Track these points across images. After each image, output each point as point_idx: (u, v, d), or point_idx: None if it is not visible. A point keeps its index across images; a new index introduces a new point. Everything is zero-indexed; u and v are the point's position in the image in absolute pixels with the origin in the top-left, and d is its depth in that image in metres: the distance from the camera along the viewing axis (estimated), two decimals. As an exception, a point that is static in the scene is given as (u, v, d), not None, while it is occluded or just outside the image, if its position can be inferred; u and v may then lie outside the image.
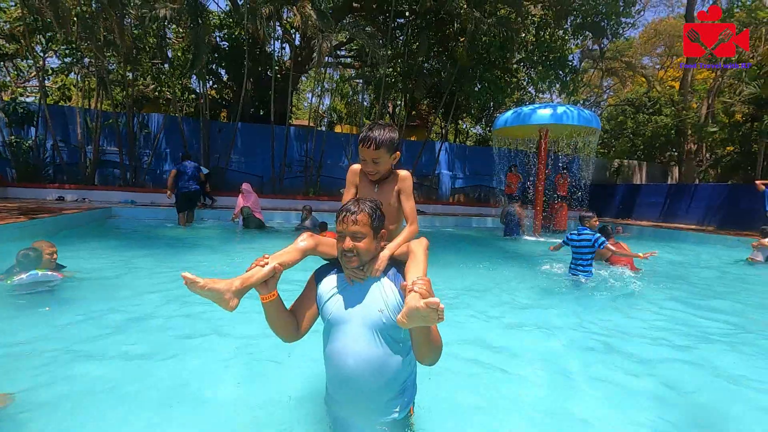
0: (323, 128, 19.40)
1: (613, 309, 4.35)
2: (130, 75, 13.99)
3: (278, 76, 15.84)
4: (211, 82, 17.12)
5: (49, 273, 3.89)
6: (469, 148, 19.82)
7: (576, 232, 5.44)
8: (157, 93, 15.70)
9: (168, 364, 2.63)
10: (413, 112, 22.17)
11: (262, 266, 1.57)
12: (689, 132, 19.79)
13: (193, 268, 5.00)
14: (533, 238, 10.65)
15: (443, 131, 21.13)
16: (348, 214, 1.60)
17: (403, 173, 1.94)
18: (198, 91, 15.98)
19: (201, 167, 10.67)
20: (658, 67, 26.71)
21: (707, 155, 22.25)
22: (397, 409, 1.69)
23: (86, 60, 13.86)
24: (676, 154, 22.70)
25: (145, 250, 6.19)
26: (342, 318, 1.67)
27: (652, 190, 16.91)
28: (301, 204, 11.86)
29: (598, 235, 5.32)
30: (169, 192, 9.26)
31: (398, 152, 1.88)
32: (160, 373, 2.51)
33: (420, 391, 1.85)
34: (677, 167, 21.91)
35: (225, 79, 17.62)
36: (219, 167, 14.26)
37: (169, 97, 15.15)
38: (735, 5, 13.48)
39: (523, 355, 3.08)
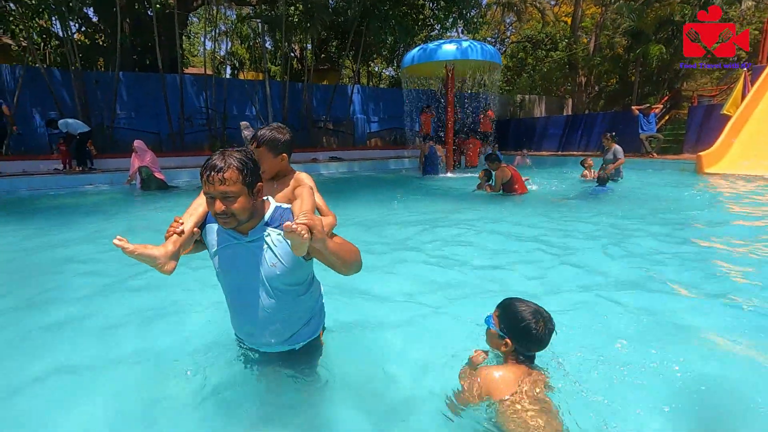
0: (226, 76, 17.71)
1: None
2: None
3: (161, 16, 13.84)
4: (77, 25, 14.48)
5: None
6: (383, 91, 19.57)
7: None
8: (6, 39, 12.93)
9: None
10: (322, 55, 21.09)
11: (179, 233, 1.52)
12: (580, 66, 21.45)
13: (92, 238, 4.48)
14: (449, 175, 11.09)
15: (355, 74, 20.50)
16: (213, 172, 1.38)
17: (301, 175, 1.90)
18: (62, 35, 13.47)
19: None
20: (552, 2, 27.99)
21: (595, 87, 24.46)
22: (304, 338, 1.76)
23: None
24: (569, 87, 24.63)
25: (31, 225, 5.36)
26: (232, 274, 1.61)
27: (551, 122, 18.31)
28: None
29: None
30: None
31: (284, 154, 1.84)
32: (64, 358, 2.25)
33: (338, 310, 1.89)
34: (570, 100, 23.88)
35: (96, 21, 15.00)
36: (103, 125, 12.50)
37: (24, 43, 12.57)
38: None
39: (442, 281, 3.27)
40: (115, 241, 1.33)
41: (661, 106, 14.95)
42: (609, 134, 8.73)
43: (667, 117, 16.14)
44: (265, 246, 1.55)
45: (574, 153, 15.33)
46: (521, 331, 1.47)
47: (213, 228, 1.61)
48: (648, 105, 12.66)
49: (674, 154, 12.59)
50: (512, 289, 2.91)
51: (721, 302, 2.65)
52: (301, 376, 1.78)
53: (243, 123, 10.44)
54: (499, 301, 1.61)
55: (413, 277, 3.22)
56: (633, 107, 12.69)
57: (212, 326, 2.27)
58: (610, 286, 2.96)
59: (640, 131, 12.09)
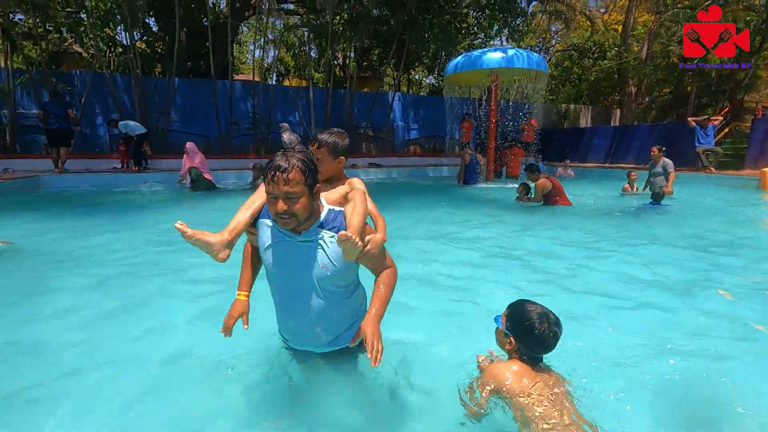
0: (271, 82, 18.36)
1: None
2: (44, 27, 12.31)
3: (215, 25, 14.57)
4: (139, 34, 15.50)
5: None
6: (423, 98, 19.60)
7: None
8: (77, 47, 14.02)
9: (125, 328, 2.51)
10: (364, 63, 21.42)
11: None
12: (630, 75, 20.57)
13: (141, 233, 4.75)
14: (490, 185, 10.86)
15: (396, 82, 20.66)
16: (278, 173, 1.42)
17: (354, 180, 1.90)
18: (126, 44, 14.45)
19: (72, 108, 10.88)
20: (602, 11, 27.08)
21: (645, 98, 23.36)
22: (346, 342, 1.74)
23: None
24: (618, 97, 23.66)
25: (84, 219, 5.76)
26: (283, 272, 1.64)
27: (597, 133, 17.65)
28: (253, 163, 11.39)
29: None
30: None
31: (342, 157, 1.87)
32: (113, 349, 2.39)
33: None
34: (619, 110, 22.92)
35: (155, 30, 16.00)
36: (159, 128, 13.26)
37: (92, 51, 13.61)
38: None
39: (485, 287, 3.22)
40: (177, 225, 1.41)
41: (721, 117, 14.07)
42: (657, 147, 8.30)
43: (726, 129, 15.16)
44: (318, 247, 1.58)
45: (623, 165, 14.67)
46: (524, 330, 1.51)
47: (266, 223, 1.64)
48: (706, 117, 11.96)
49: (734, 170, 11.78)
50: (554, 305, 2.81)
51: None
52: (338, 379, 1.80)
53: (283, 125, 10.71)
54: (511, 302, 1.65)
55: (455, 288, 3.18)
56: (689, 118, 12.02)
57: (259, 325, 2.33)
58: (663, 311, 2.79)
59: (697, 144, 11.41)
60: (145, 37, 16.13)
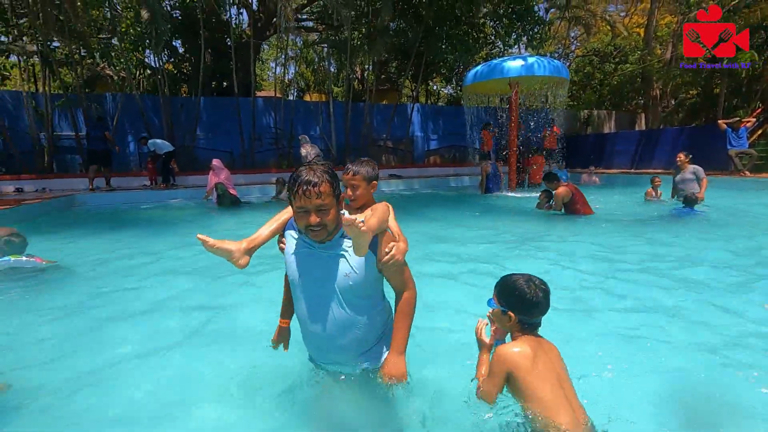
0: (292, 98, 18.77)
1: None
2: (79, 53, 12.98)
3: (237, 45, 15.05)
4: (167, 56, 16.14)
5: (25, 259, 3.72)
6: (441, 108, 19.63)
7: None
8: (109, 71, 14.70)
9: (166, 352, 2.57)
10: (383, 76, 21.65)
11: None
12: (654, 78, 20.09)
13: (173, 248, 4.89)
14: (512, 194, 10.75)
15: (414, 93, 20.78)
16: (309, 187, 1.45)
17: (380, 203, 1.91)
18: (154, 65, 15.07)
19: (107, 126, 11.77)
20: (623, 14, 26.67)
21: (671, 101, 22.74)
22: (374, 359, 1.74)
23: (24, 38, 12.78)
24: (642, 101, 23.11)
25: (120, 235, 5.98)
26: (306, 282, 1.65)
27: (621, 138, 17.26)
28: (275, 177, 11.60)
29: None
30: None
31: (375, 182, 1.95)
32: (156, 363, 2.45)
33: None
34: (644, 114, 22.37)
35: (181, 51, 16.64)
36: (185, 145, 13.69)
37: (123, 74, 14.24)
38: None
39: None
40: (199, 235, 1.55)
41: (754, 119, 13.53)
42: (684, 153, 7.95)
43: (760, 131, 14.56)
44: (341, 257, 1.60)
45: (649, 171, 14.27)
46: (517, 299, 1.58)
47: (291, 235, 1.70)
48: (738, 119, 11.54)
49: (771, 173, 11.29)
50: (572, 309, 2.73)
51: None
52: (363, 401, 1.76)
53: (302, 137, 10.96)
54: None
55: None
56: (719, 121, 11.64)
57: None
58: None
59: (729, 147, 11.02)
60: (172, 59, 16.78)
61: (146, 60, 16.13)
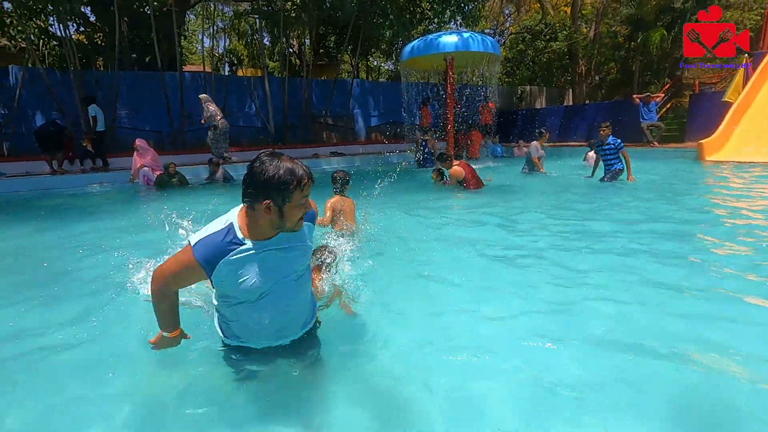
0: (224, 73, 17.71)
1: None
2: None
3: (159, 14, 13.81)
4: (75, 25, 14.46)
5: None
6: (382, 84, 19.52)
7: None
8: (4, 40, 12.93)
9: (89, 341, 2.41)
10: (321, 50, 21.01)
11: None
12: (580, 55, 21.32)
13: (99, 236, 4.53)
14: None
15: (354, 69, 20.45)
16: (309, 179, 1.50)
17: None
18: (60, 35, 13.46)
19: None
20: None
21: (596, 77, 24.32)
22: (311, 324, 1.88)
23: None
24: (569, 78, 24.50)
25: (35, 225, 5.41)
26: (269, 281, 1.58)
27: (550, 113, 18.27)
28: (209, 157, 11.01)
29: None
30: None
31: None
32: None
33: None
34: (571, 90, 23.76)
35: (93, 20, 14.97)
36: (105, 125, 12.50)
37: (22, 44, 12.59)
38: None
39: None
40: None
41: (662, 94, 14.87)
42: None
43: (668, 105, 16.07)
44: (300, 233, 1.65)
45: (571, 143, 15.30)
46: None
47: (242, 254, 1.53)
48: (648, 94, 12.62)
49: (676, 143, 12.56)
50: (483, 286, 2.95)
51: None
52: (305, 365, 1.84)
53: (203, 95, 11.01)
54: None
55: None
56: (634, 96, 12.66)
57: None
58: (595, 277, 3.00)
59: (641, 120, 12.06)
60: (83, 29, 15.08)
61: (51, 29, 14.36)
